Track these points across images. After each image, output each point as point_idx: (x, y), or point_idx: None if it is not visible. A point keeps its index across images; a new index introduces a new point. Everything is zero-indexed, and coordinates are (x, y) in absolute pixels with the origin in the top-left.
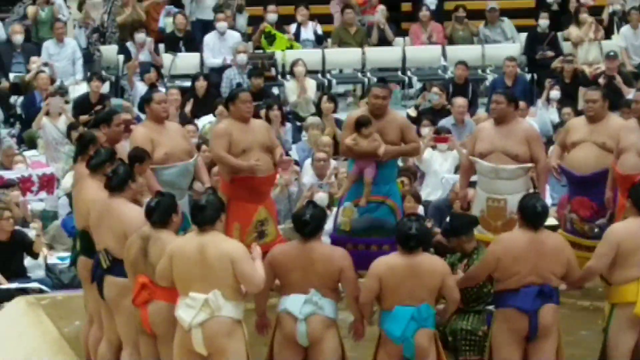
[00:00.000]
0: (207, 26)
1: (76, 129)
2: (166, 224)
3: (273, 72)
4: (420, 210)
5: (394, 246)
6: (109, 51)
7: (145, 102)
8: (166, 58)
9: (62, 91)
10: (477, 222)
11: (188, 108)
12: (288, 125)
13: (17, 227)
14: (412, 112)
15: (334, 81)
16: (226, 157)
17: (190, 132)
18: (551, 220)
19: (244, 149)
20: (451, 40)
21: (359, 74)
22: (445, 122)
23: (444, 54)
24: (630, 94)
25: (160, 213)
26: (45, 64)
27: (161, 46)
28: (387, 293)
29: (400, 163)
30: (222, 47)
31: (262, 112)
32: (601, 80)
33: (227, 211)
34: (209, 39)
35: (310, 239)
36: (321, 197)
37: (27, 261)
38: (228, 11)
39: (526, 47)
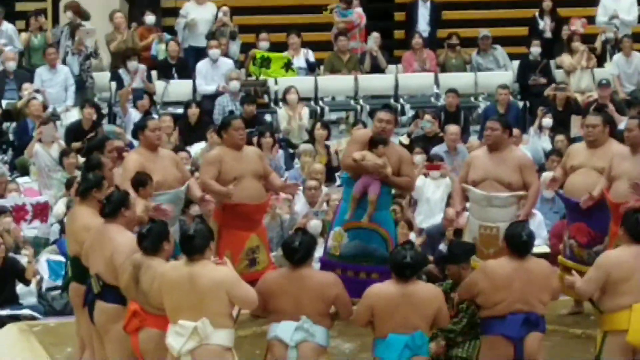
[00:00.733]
0: (199, 53)
1: (68, 155)
2: (157, 251)
3: (266, 99)
4: (412, 237)
5: (384, 275)
6: (102, 78)
7: (139, 129)
8: (159, 85)
9: (55, 118)
10: (475, 250)
11: (174, 136)
12: (280, 152)
13: (9, 254)
14: (405, 140)
15: (326, 108)
16: (209, 183)
17: (184, 159)
18: (543, 248)
19: (236, 177)
20: (444, 67)
21: (352, 101)
22: (438, 149)
23: (436, 82)
24: (622, 122)
25: (152, 240)
26: (37, 91)
27: (154, 73)
28: (380, 321)
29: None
30: (214, 74)
31: (255, 139)
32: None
33: (218, 238)
34: (202, 66)
35: (301, 266)
36: (315, 225)
37: (19, 288)
38: (222, 38)
39: (519, 75)
